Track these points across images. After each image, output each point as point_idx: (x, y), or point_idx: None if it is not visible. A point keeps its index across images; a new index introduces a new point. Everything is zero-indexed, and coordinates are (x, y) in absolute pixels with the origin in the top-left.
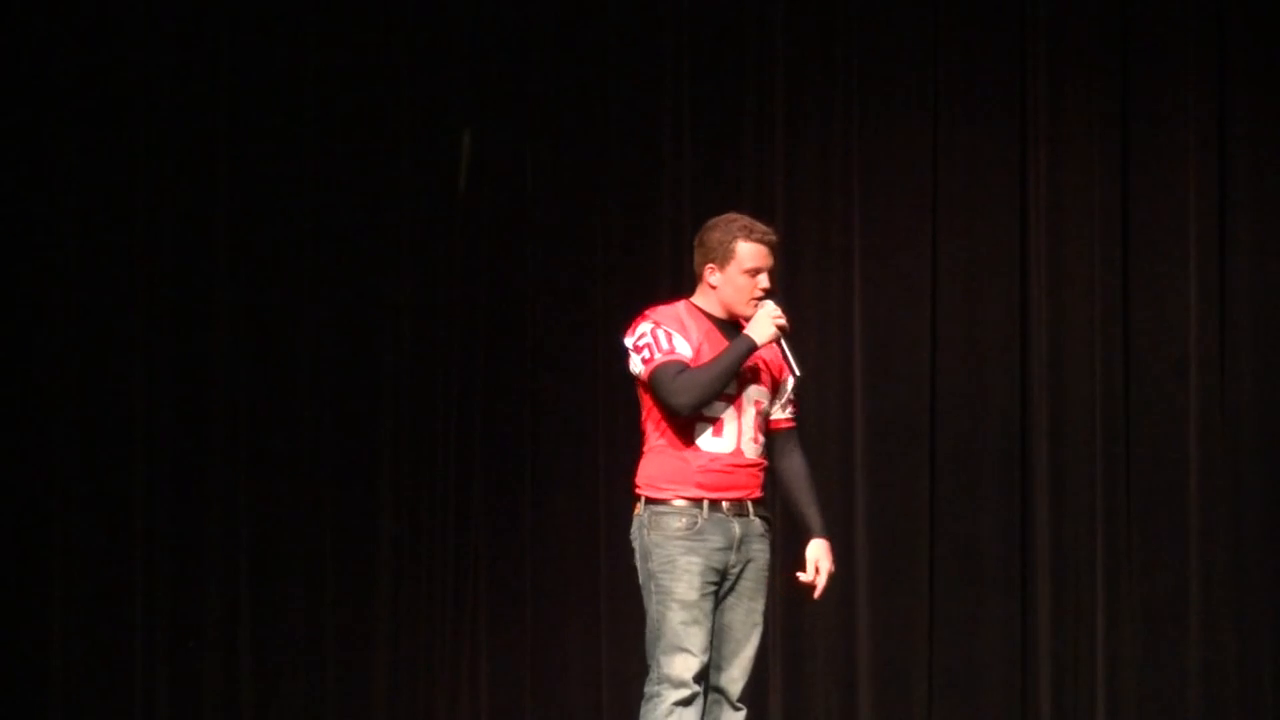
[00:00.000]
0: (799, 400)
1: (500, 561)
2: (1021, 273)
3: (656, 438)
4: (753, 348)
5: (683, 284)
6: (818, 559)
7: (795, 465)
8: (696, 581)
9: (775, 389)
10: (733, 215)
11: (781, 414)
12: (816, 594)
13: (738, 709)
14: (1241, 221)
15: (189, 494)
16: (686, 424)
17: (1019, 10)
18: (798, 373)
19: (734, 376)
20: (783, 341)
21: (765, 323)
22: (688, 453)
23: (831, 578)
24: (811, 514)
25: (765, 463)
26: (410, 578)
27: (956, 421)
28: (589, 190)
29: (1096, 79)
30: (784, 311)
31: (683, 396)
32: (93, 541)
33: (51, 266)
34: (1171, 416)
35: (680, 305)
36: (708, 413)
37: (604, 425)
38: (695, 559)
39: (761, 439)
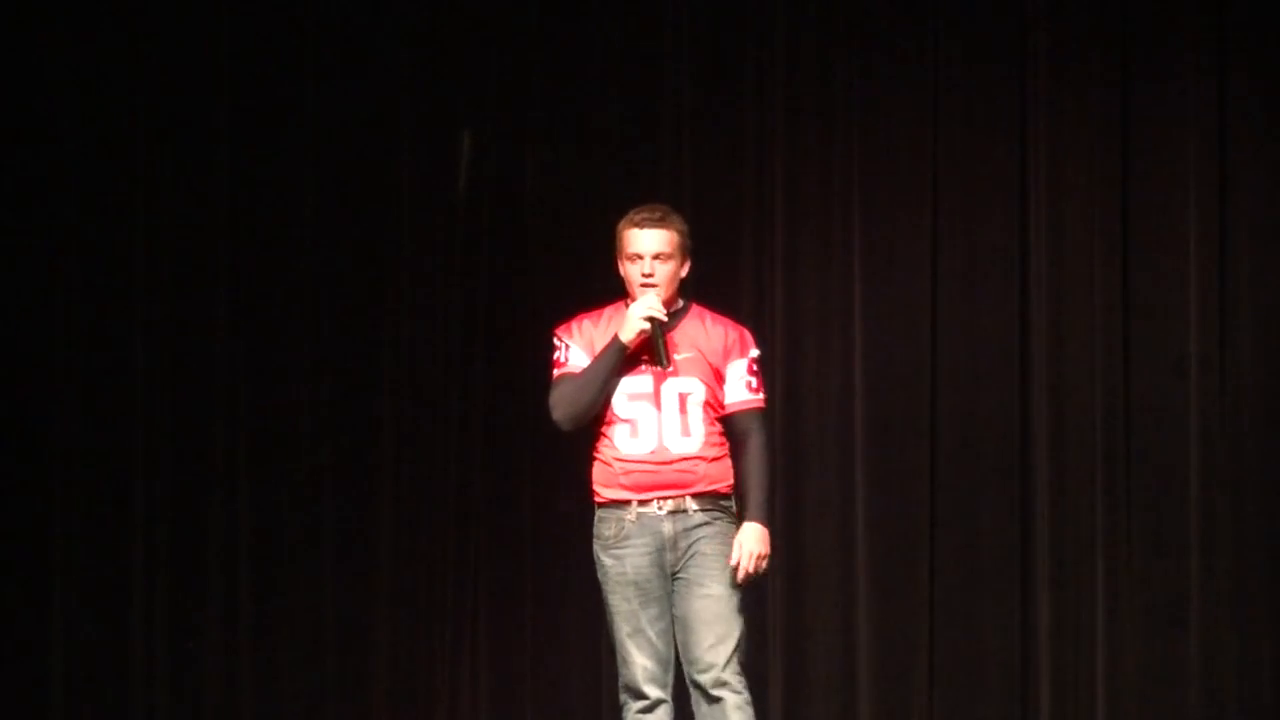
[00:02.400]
0: (760, 379)
1: (500, 561)
2: (1021, 273)
3: (594, 442)
4: (621, 348)
5: (683, 285)
6: (742, 542)
7: (747, 449)
8: (629, 592)
9: (720, 377)
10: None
11: (735, 398)
12: (739, 577)
13: (714, 700)
14: (1242, 222)
15: (189, 494)
16: (605, 427)
17: (1019, 10)
18: (664, 365)
19: (604, 382)
20: (657, 333)
21: (631, 318)
22: (611, 455)
23: (763, 561)
24: (750, 499)
25: (710, 455)
26: (410, 578)
27: (956, 422)
28: (589, 190)
29: (1096, 79)
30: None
31: (555, 412)
32: (93, 541)
33: (51, 265)
34: (1171, 416)
35: (609, 308)
36: (621, 414)
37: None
38: (623, 569)
39: (702, 430)
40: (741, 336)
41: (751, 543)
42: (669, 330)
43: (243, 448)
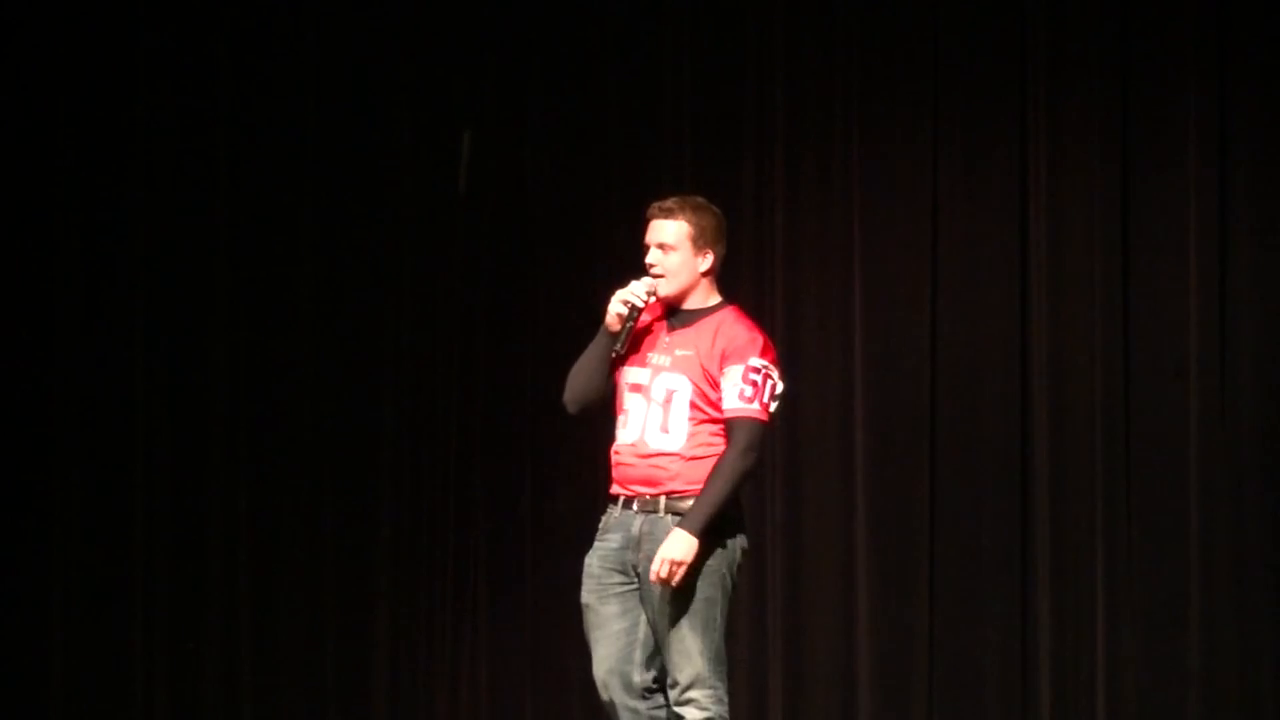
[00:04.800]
0: (760, 390)
1: (500, 561)
2: (1021, 273)
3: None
4: (605, 333)
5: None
6: (664, 543)
7: (719, 459)
8: (592, 584)
9: (713, 381)
10: None
11: (725, 404)
12: (651, 578)
13: (678, 718)
14: (1241, 222)
15: (189, 494)
16: (617, 416)
17: (1019, 11)
18: (616, 350)
19: (592, 366)
20: (628, 318)
21: (613, 301)
22: (614, 445)
23: (677, 568)
24: (693, 504)
25: (689, 455)
26: (410, 578)
27: (956, 422)
28: (589, 190)
29: (1096, 79)
30: (657, 290)
31: (564, 395)
32: (93, 541)
33: (52, 266)
34: (1171, 416)
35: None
36: (624, 404)
37: (604, 425)
38: (593, 560)
39: (684, 428)
40: (749, 342)
41: (668, 547)
42: (677, 324)
43: (243, 447)
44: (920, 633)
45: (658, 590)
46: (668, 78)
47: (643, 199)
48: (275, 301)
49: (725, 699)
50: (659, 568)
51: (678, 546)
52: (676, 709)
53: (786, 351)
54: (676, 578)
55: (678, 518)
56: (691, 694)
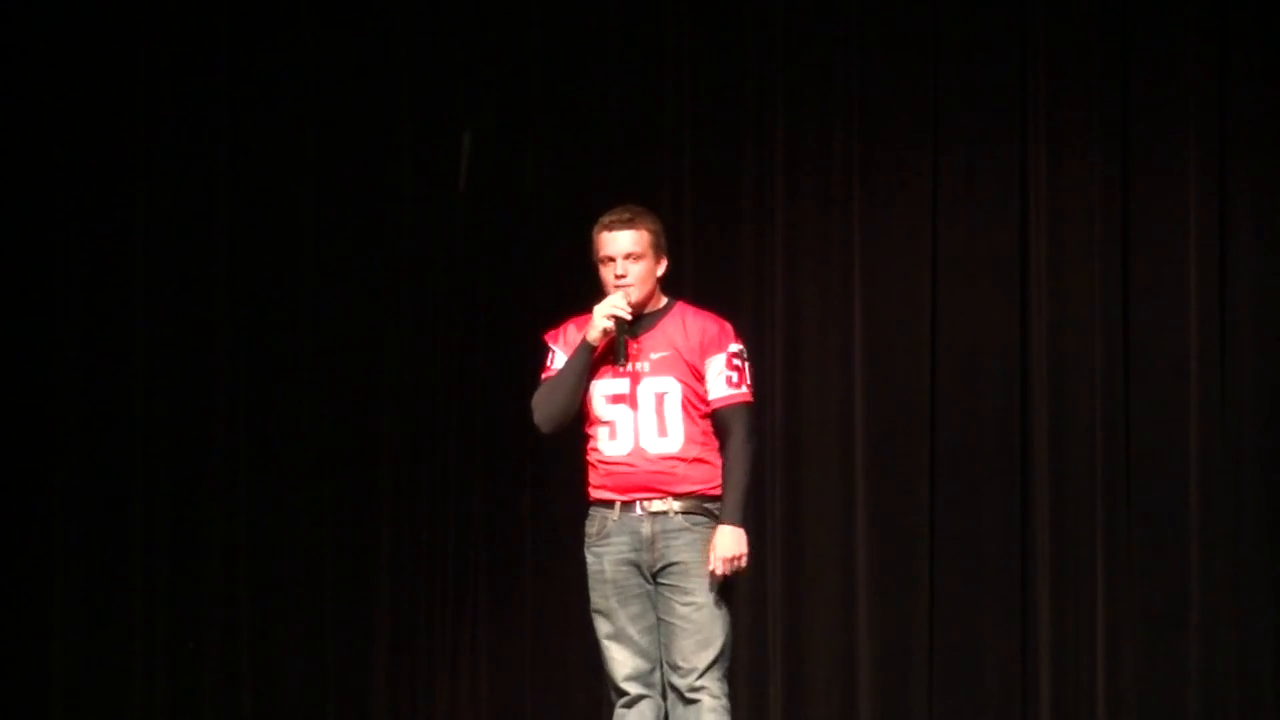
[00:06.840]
0: (743, 374)
1: (500, 561)
2: (1021, 273)
3: (585, 444)
4: (588, 349)
5: (682, 285)
6: (715, 545)
7: (728, 446)
8: (607, 589)
9: (699, 374)
10: None
11: (715, 394)
12: (715, 579)
13: (690, 702)
14: (1241, 221)
15: (189, 494)
16: (590, 429)
17: (1019, 11)
18: (620, 362)
19: (573, 383)
20: (620, 330)
21: (595, 317)
22: (595, 456)
23: (738, 561)
24: (725, 499)
25: (690, 456)
26: (410, 578)
27: (956, 421)
28: (589, 190)
29: (1096, 79)
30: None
31: (534, 417)
32: (93, 541)
33: (52, 266)
34: (1172, 416)
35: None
36: (602, 416)
37: None
38: (601, 567)
39: (681, 429)
40: (721, 331)
41: (722, 546)
42: (640, 329)
43: (243, 449)
44: (920, 633)
45: (674, 581)
46: (668, 78)
47: (643, 199)
48: (275, 300)
49: (729, 689)
50: (722, 568)
51: (731, 543)
52: (690, 695)
53: (786, 351)
54: (741, 567)
55: (691, 516)
56: (705, 680)
